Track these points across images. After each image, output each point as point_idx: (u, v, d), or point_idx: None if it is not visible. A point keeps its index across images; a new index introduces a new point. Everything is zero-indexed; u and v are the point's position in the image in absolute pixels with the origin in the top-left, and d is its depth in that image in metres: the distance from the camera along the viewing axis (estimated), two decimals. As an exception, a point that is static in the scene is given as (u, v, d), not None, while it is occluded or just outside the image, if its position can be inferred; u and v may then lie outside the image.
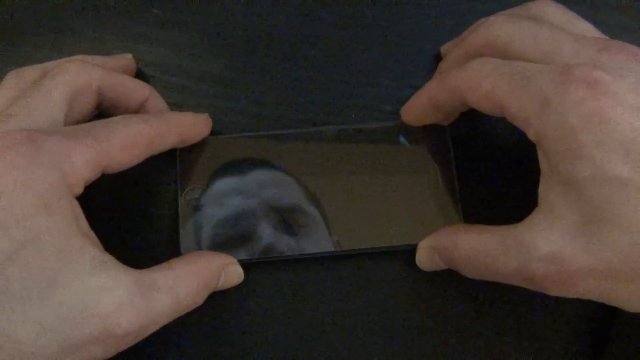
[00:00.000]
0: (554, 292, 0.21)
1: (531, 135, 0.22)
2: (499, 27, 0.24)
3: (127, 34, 0.31)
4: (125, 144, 0.23)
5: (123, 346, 0.21)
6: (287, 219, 0.28)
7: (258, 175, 0.28)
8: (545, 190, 0.22)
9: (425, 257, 0.27)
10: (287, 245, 0.27)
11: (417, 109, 0.28)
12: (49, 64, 0.26)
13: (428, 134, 0.29)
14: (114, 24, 0.31)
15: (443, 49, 0.30)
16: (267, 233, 0.27)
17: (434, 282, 0.28)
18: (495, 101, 0.23)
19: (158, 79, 0.31)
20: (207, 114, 0.28)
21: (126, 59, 0.30)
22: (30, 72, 0.25)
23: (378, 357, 0.27)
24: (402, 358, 0.27)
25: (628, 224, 0.19)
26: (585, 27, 0.24)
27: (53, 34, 0.31)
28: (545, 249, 0.21)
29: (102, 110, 0.27)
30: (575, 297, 0.21)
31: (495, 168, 0.29)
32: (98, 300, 0.20)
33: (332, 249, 0.27)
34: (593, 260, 0.20)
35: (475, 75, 0.23)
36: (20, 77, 0.25)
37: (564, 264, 0.20)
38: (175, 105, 0.30)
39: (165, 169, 0.29)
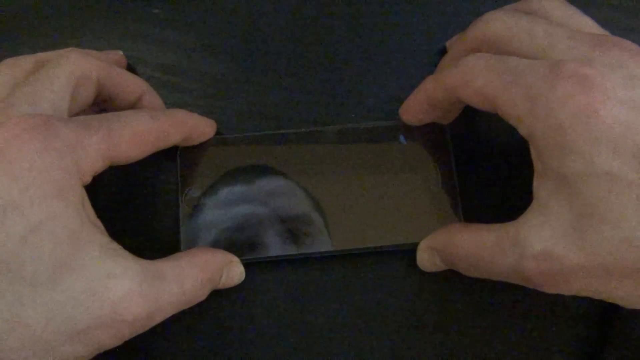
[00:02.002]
0: (548, 289, 0.21)
1: (522, 131, 0.22)
2: (496, 22, 0.24)
3: (127, 34, 0.31)
4: (134, 138, 0.23)
5: (130, 333, 0.21)
6: (288, 227, 0.28)
7: (259, 177, 0.28)
8: (538, 186, 0.22)
9: (425, 258, 0.27)
10: (287, 251, 0.27)
11: (415, 107, 0.28)
12: (42, 55, 0.26)
13: (428, 133, 0.29)
14: (113, 23, 0.31)
15: (448, 44, 0.30)
16: (267, 240, 0.27)
17: (434, 281, 0.28)
18: (487, 97, 0.23)
19: (158, 79, 0.31)
20: (212, 120, 0.28)
21: (117, 55, 0.30)
22: (23, 62, 0.25)
23: (378, 356, 0.27)
24: (402, 358, 0.27)
25: (618, 219, 0.19)
26: (584, 22, 0.24)
27: (52, 34, 0.31)
28: (538, 246, 0.21)
29: (99, 104, 0.27)
30: (571, 294, 0.21)
31: (496, 167, 0.29)
32: (107, 286, 0.20)
33: (333, 249, 0.27)
34: (585, 257, 0.20)
35: (468, 72, 0.23)
36: (14, 66, 0.25)
37: (556, 261, 0.20)
38: (175, 105, 0.30)
39: (166, 169, 0.29)
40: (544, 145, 0.21)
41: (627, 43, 0.22)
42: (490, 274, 0.23)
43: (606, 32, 0.24)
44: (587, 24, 0.24)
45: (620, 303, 0.21)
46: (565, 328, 0.28)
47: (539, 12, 0.25)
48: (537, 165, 0.22)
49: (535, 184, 0.22)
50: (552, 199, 0.21)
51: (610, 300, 0.21)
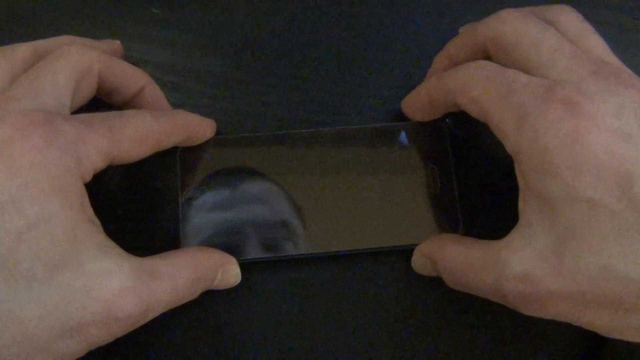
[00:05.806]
0: (526, 311, 0.21)
1: (508, 148, 0.22)
2: (508, 25, 0.24)
3: (127, 34, 0.31)
4: (135, 137, 0.23)
5: (123, 330, 0.21)
6: (288, 227, 0.28)
7: (258, 178, 0.28)
8: (523, 206, 0.22)
9: (418, 262, 0.27)
10: (286, 252, 0.27)
11: (416, 103, 0.28)
12: (39, 43, 0.25)
13: (428, 134, 0.29)
14: (113, 23, 0.31)
15: (461, 30, 0.30)
16: (266, 241, 0.27)
17: (433, 282, 0.28)
18: (481, 108, 0.23)
19: (158, 79, 0.30)
20: (213, 120, 0.28)
21: (115, 44, 0.29)
22: (20, 50, 0.24)
23: (377, 357, 0.27)
24: (400, 358, 0.27)
25: (597, 247, 0.19)
26: (594, 43, 0.24)
27: (51, 34, 0.31)
28: (518, 268, 0.21)
29: (100, 96, 0.27)
30: (548, 318, 0.21)
31: (495, 168, 0.29)
32: (102, 284, 0.20)
33: (332, 250, 0.27)
34: (563, 282, 0.20)
35: (468, 79, 0.23)
36: (8, 55, 0.24)
37: (534, 284, 0.20)
38: (175, 105, 0.30)
39: (166, 169, 0.29)
40: (527, 165, 0.21)
41: (626, 74, 0.22)
42: (473, 289, 0.23)
43: (613, 57, 0.23)
44: (597, 45, 0.24)
45: (597, 331, 0.21)
46: (564, 330, 0.27)
47: (554, 23, 0.24)
48: (521, 184, 0.22)
49: (520, 204, 0.22)
50: (536, 221, 0.21)
51: (587, 328, 0.21)
